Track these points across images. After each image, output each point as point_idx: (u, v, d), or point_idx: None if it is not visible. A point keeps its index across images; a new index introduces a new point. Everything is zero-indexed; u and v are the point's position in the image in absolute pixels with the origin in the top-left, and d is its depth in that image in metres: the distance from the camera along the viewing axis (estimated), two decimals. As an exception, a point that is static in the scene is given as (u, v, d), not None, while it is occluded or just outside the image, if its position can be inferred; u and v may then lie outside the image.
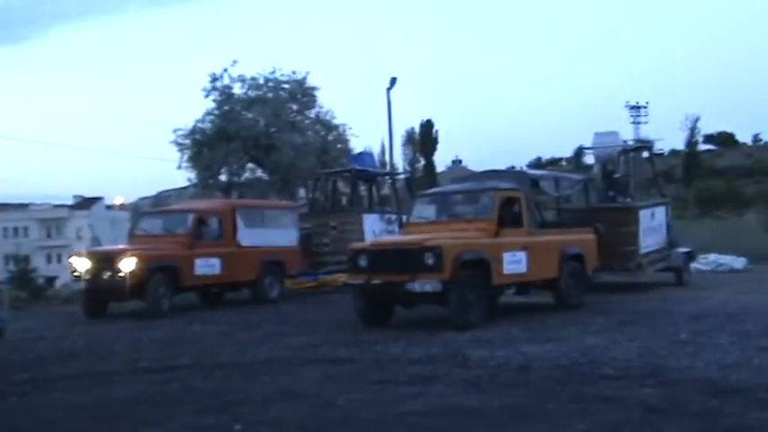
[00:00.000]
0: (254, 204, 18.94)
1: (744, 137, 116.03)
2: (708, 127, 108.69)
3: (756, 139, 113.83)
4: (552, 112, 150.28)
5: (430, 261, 10.88)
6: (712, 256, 24.13)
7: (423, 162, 78.80)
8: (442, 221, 12.54)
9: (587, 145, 19.28)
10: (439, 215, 12.90)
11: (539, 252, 12.62)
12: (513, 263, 12.14)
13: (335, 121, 31.29)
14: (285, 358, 8.97)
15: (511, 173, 16.27)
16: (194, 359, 9.17)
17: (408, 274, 10.97)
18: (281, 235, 17.15)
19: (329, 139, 30.79)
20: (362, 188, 22.24)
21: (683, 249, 19.11)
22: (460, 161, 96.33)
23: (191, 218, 15.59)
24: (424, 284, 10.90)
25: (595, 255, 14.42)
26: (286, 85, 30.29)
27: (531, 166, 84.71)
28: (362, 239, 16.55)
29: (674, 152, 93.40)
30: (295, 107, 30.75)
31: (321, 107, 31.06)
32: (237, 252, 15.74)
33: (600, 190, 17.61)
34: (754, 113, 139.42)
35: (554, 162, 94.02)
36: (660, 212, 18.23)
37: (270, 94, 30.02)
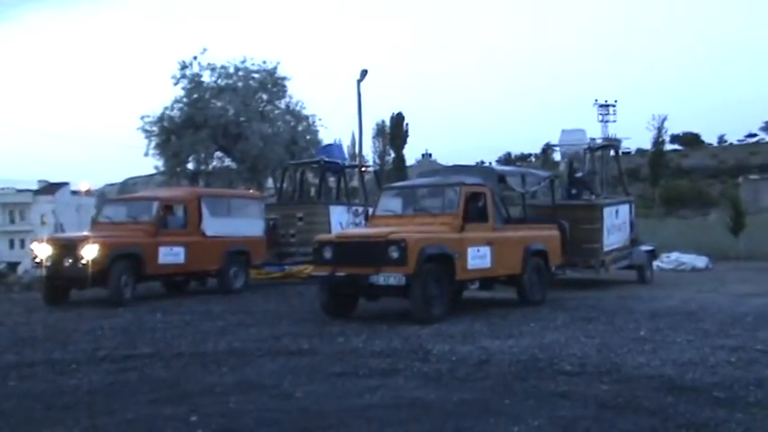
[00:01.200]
0: (219, 193, 18.86)
1: (709, 138, 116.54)
2: (674, 127, 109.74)
3: (722, 140, 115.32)
4: (523, 109, 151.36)
5: (394, 254, 10.91)
6: (675, 255, 24.45)
7: (392, 155, 78.93)
8: (408, 215, 12.60)
9: (554, 142, 19.32)
10: (405, 209, 12.94)
11: (503, 247, 12.71)
12: (478, 258, 12.20)
13: (305, 112, 31.27)
14: (246, 349, 8.93)
15: (478, 168, 16.38)
16: (154, 348, 9.12)
17: (373, 267, 10.99)
18: (246, 225, 17.19)
19: (299, 129, 30.84)
20: (331, 180, 22.28)
21: (645, 247, 19.27)
22: (430, 155, 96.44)
23: (155, 206, 15.52)
24: (388, 278, 10.93)
25: (559, 251, 14.55)
26: (256, 75, 30.18)
27: (500, 161, 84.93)
28: (329, 231, 16.60)
29: (640, 151, 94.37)
30: (265, 97, 30.67)
31: (291, 98, 31.06)
32: (202, 241, 15.64)
33: (565, 187, 17.81)
34: (720, 115, 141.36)
35: (523, 158, 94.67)
36: (624, 210, 18.39)
37: (240, 84, 29.88)
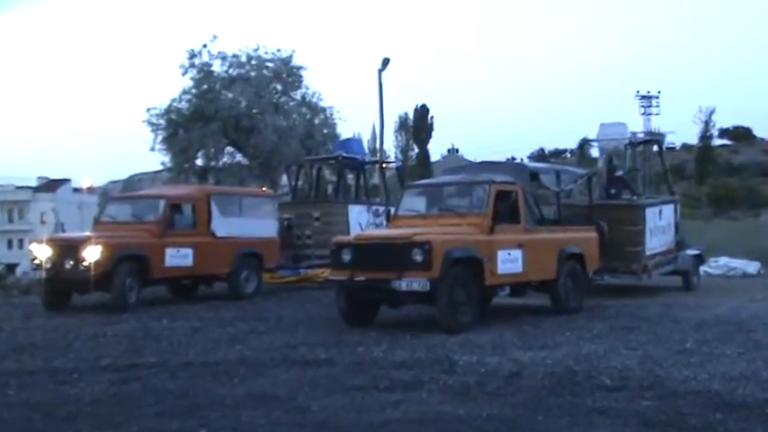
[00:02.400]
0: (230, 192, 19.03)
1: (762, 131, 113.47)
2: (723, 120, 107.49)
3: None
4: (558, 101, 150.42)
5: (418, 258, 10.93)
6: (723, 260, 24.12)
7: (416, 150, 79.13)
8: (433, 215, 12.62)
9: (592, 137, 19.23)
10: (429, 208, 12.96)
11: (536, 251, 12.70)
12: (508, 262, 12.22)
13: (322, 104, 31.30)
14: (259, 359, 9.01)
15: (509, 165, 16.32)
16: (160, 357, 9.20)
17: (395, 271, 11.02)
18: (259, 225, 17.29)
19: (315, 122, 30.87)
20: (349, 177, 22.39)
21: (691, 251, 19.12)
22: (457, 150, 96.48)
23: (162, 204, 15.65)
24: (412, 283, 10.95)
25: (597, 255, 14.55)
26: (270, 64, 30.27)
27: (532, 157, 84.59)
28: (347, 232, 16.71)
29: (686, 147, 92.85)
30: (279, 87, 30.75)
31: (307, 88, 31.12)
32: (212, 242, 15.76)
33: (603, 186, 17.75)
34: None
35: (557, 154, 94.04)
36: (668, 211, 18.25)
37: (252, 73, 30.00)
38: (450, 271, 11.10)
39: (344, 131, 30.98)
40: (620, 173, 17.70)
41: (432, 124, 79.98)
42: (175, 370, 8.29)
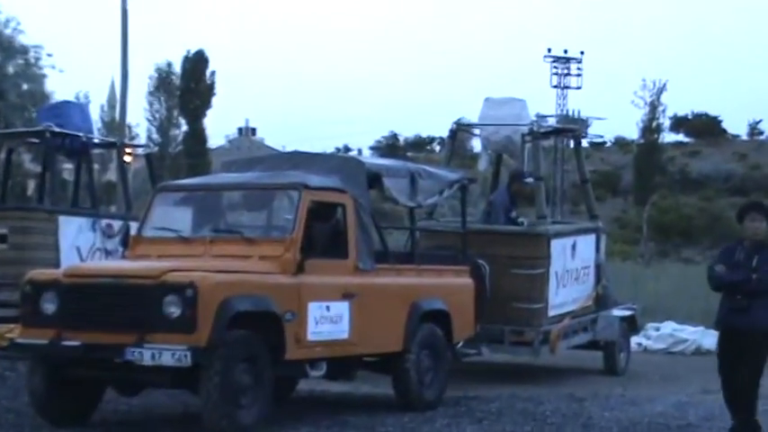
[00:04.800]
0: None
1: (734, 125, 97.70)
2: (678, 104, 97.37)
3: (754, 129, 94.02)
4: (430, 65, 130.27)
5: (173, 310, 9.18)
6: (668, 327, 22.50)
7: (184, 127, 64.77)
8: (203, 239, 10.75)
9: (471, 119, 16.74)
10: (197, 227, 11.18)
11: (373, 305, 11.10)
12: (327, 321, 10.45)
13: (23, 41, 25.91)
14: None
15: (335, 160, 15.00)
16: None
17: (132, 332, 9.33)
18: None
19: (9, 71, 25.02)
20: (64, 168, 19.44)
21: (620, 312, 16.89)
22: (253, 131, 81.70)
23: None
24: (161, 353, 9.13)
25: (471, 314, 12.87)
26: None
27: (377, 149, 75.39)
28: (55, 264, 14.00)
29: (621, 143, 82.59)
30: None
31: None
32: None
33: (495, 200, 15.43)
34: (755, 90, 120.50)
35: (420, 145, 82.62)
36: (586, 245, 15.93)
37: None
38: (228, 334, 9.48)
39: (61, 91, 26.08)
40: (529, 180, 15.33)
41: (212, 85, 65.01)
42: None
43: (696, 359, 20.16)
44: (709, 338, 23.18)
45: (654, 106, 63.43)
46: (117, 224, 15.93)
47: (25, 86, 25.46)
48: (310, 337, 10.36)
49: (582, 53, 67.36)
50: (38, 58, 26.05)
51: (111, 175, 20.92)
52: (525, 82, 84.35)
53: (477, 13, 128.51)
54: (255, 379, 9.73)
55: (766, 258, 9.09)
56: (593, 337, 16.06)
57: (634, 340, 18.72)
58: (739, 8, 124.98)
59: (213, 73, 61.19)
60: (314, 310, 10.36)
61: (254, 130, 78.70)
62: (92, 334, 9.48)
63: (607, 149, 78.46)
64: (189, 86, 60.98)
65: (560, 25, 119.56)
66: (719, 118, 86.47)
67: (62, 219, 15.77)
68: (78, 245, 15.44)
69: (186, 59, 61.53)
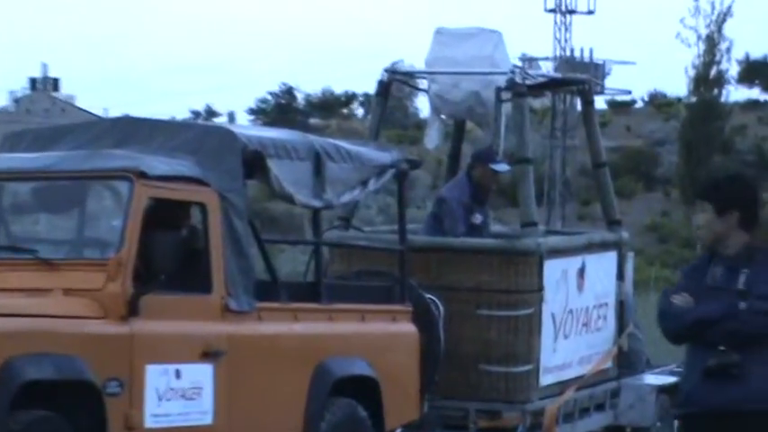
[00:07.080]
0: None
1: None
2: (751, 41, 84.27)
3: None
4: None
5: None
6: None
7: None
8: None
9: (413, 65, 12.95)
10: None
11: (253, 368, 8.63)
12: (177, 397, 7.90)
13: None
14: None
15: (190, 130, 10.27)
16: None
17: None
18: None
19: None
20: None
21: (657, 378, 13.39)
22: (55, 83, 62.85)
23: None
24: None
25: (416, 384, 10.15)
26: None
27: (258, 113, 64.73)
28: None
29: (659, 103, 62.92)
30: None
31: None
32: None
33: (451, 196, 11.71)
34: None
35: (333, 104, 66.43)
36: (602, 269, 12.29)
37: None
38: (12, 419, 7.07)
39: None
40: (503, 165, 11.57)
41: None
42: None
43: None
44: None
45: (713, 43, 45.15)
46: None
47: None
48: (149, 422, 7.75)
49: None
50: None
51: None
52: (503, 5, 65.23)
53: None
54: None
55: (761, 274, 5.32)
56: (615, 419, 12.78)
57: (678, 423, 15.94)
58: None
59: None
60: (155, 377, 7.88)
61: (55, 82, 59.41)
62: None
63: (637, 113, 58.49)
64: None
65: None
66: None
67: None
68: None
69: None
